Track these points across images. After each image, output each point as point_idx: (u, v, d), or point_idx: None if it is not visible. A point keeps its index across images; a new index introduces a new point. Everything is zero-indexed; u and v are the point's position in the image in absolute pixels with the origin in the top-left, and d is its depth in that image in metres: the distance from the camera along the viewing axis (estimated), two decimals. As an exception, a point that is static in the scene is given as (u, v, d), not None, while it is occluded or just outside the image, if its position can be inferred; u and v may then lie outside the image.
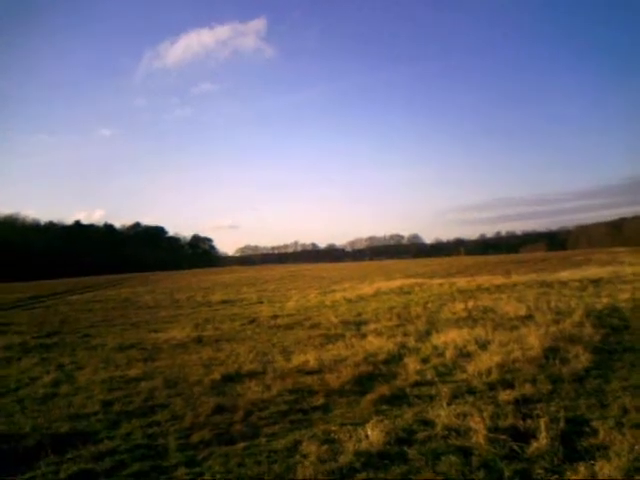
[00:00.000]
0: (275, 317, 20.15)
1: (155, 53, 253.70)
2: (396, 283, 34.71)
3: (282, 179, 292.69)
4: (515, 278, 32.44)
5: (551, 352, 10.50)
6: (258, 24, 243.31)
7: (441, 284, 31.82)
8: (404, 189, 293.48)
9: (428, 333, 13.66)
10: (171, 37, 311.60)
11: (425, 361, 10.64)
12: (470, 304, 19.39)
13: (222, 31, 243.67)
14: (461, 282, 31.99)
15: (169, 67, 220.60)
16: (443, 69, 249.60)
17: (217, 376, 10.32)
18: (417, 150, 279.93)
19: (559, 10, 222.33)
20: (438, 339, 12.51)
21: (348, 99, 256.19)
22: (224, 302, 29.21)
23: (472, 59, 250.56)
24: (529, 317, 15.42)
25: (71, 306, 31.48)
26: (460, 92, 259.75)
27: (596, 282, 27.08)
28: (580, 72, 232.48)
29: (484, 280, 32.21)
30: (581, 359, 9.85)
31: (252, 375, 10.38)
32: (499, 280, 31.44)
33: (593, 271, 35.63)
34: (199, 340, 15.32)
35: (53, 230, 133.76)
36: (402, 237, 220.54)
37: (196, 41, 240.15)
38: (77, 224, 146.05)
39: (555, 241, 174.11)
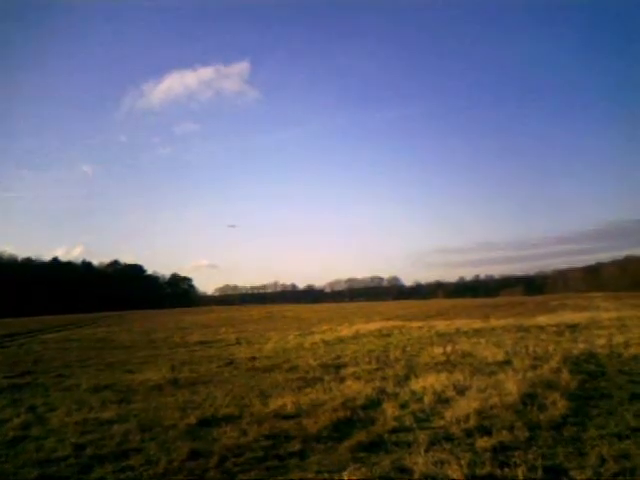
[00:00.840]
0: (253, 359, 19.95)
1: (139, 92, 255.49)
2: (375, 325, 34.70)
3: (263, 219, 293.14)
4: (493, 322, 32.60)
5: (529, 398, 10.49)
6: (241, 67, 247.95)
7: (420, 327, 31.85)
8: (384, 231, 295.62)
9: (407, 377, 13.61)
10: (155, 77, 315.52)
11: (403, 406, 10.58)
12: (449, 348, 19.39)
13: (205, 73, 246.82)
14: (440, 325, 32.08)
15: (152, 106, 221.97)
16: (427, 112, 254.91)
17: (193, 420, 10.15)
18: (399, 192, 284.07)
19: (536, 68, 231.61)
20: (417, 384, 12.47)
21: (332, 139, 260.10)
22: (202, 343, 28.88)
23: (456, 102, 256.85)
24: (507, 362, 15.45)
25: (46, 345, 30.92)
26: (443, 137, 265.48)
27: (573, 327, 27.31)
28: (558, 122, 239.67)
29: (463, 324, 32.34)
30: (558, 406, 9.85)
31: (228, 419, 10.23)
32: (478, 324, 31.59)
33: (570, 316, 35.93)
34: (175, 382, 15.08)
35: (30, 267, 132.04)
36: (382, 279, 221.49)
37: (179, 82, 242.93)
38: (55, 261, 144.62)
39: (533, 285, 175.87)
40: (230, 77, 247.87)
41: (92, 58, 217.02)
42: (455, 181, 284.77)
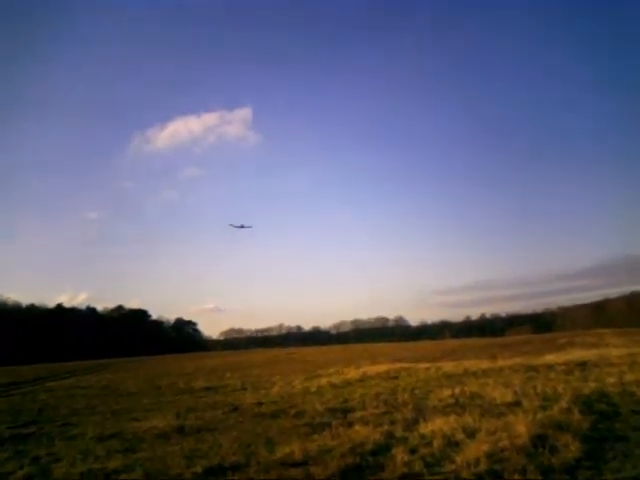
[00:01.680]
0: (259, 404, 19.74)
1: (144, 138, 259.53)
2: (382, 367, 34.34)
3: (267, 261, 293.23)
4: (501, 362, 32.22)
5: (539, 440, 10.31)
6: (244, 112, 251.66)
7: (427, 368, 31.51)
8: (389, 271, 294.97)
9: (415, 421, 13.40)
10: (160, 123, 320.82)
11: (413, 451, 10.40)
12: (457, 390, 19.16)
13: (209, 118, 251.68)
14: (448, 366, 31.74)
15: (157, 151, 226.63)
16: (428, 153, 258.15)
17: (199, 469, 10.01)
18: (404, 232, 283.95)
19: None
20: (426, 427, 12.28)
21: (334, 179, 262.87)
22: (207, 389, 28.62)
23: (454, 147, 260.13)
24: (516, 403, 15.24)
25: (51, 393, 30.71)
26: (444, 177, 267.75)
27: (582, 365, 26.99)
28: (554, 161, 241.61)
29: (470, 364, 31.99)
30: (571, 448, 9.68)
31: (235, 468, 10.07)
32: (485, 364, 31.24)
33: (578, 354, 35.55)
34: (181, 429, 14.90)
35: (34, 313, 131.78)
36: (387, 319, 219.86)
37: (184, 127, 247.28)
38: (59, 307, 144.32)
39: (540, 323, 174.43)
40: (233, 122, 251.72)
41: (98, 105, 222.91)
42: (459, 219, 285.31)
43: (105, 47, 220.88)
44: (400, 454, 10.08)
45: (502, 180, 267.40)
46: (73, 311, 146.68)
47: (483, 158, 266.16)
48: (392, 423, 13.48)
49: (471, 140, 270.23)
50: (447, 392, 18.79)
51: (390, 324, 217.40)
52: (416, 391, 20.69)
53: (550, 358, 32.91)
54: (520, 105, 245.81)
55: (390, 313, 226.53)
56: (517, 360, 33.14)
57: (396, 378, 27.60)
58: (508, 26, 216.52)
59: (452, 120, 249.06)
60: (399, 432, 12.23)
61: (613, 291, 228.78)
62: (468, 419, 12.72)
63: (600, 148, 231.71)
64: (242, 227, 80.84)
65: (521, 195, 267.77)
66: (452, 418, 12.99)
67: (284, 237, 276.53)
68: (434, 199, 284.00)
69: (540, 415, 12.67)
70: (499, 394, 17.05)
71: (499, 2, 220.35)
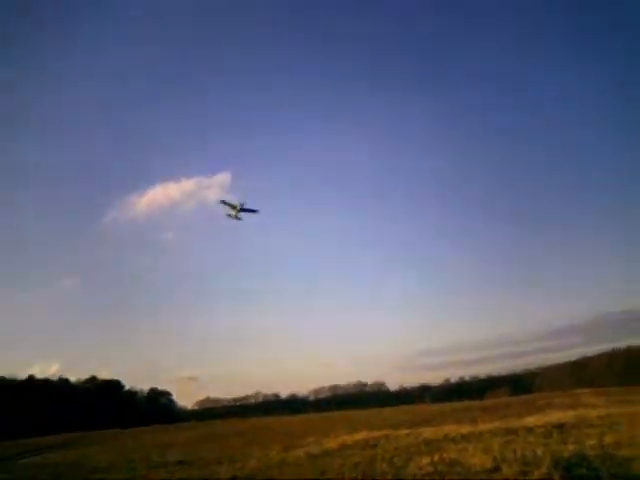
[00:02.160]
0: (235, 479, 19.16)
1: (123, 204, 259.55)
2: (361, 435, 33.69)
3: (244, 328, 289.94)
4: (481, 426, 31.87)
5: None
6: (223, 178, 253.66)
7: (407, 435, 31.06)
8: (367, 336, 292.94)
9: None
10: (139, 190, 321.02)
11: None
12: (436, 457, 18.81)
13: (188, 185, 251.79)
14: (427, 432, 31.29)
15: (135, 217, 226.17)
16: (397, 213, 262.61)
17: None
18: (381, 297, 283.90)
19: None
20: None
21: (312, 243, 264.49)
22: (181, 462, 27.73)
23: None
24: (496, 469, 15.00)
25: (13, 474, 29.44)
26: (420, 241, 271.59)
27: (561, 427, 26.79)
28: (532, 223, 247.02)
29: (450, 429, 31.55)
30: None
31: None
32: (465, 429, 30.85)
33: (558, 415, 35.38)
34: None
35: (4, 385, 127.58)
36: (365, 385, 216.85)
37: (163, 194, 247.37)
38: (31, 379, 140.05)
39: (519, 384, 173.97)
40: (212, 188, 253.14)
41: (75, 171, 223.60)
42: (436, 282, 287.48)
43: (86, 114, 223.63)
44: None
45: (482, 243, 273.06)
46: (46, 382, 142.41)
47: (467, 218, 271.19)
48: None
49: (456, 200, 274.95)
50: (426, 460, 18.42)
51: (368, 389, 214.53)
52: (395, 459, 20.26)
53: (529, 420, 32.67)
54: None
55: (369, 378, 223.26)
56: (497, 424, 32.84)
57: (375, 446, 27.09)
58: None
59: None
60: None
61: (592, 349, 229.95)
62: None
63: (575, 208, 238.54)
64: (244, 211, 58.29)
65: (499, 257, 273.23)
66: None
67: (262, 304, 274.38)
68: (410, 257, 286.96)
69: (521, 481, 12.48)
70: (478, 460, 16.78)
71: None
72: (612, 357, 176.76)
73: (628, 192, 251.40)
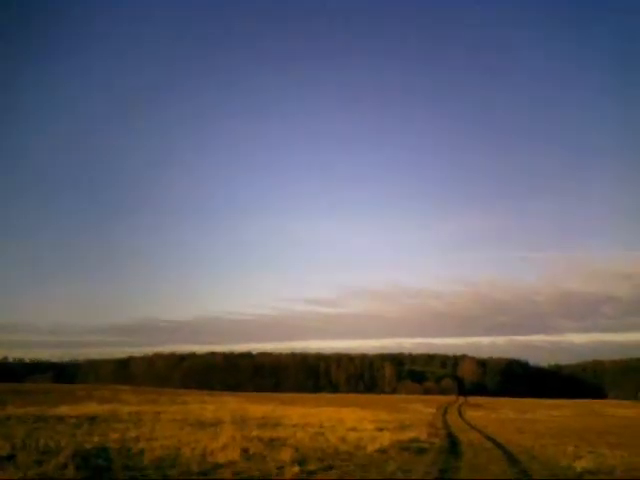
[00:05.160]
0: None
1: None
2: None
3: None
4: (10, 410, 30.41)
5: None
6: None
7: None
8: None
9: None
10: None
11: None
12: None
13: None
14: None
15: None
16: None
17: None
18: None
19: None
20: None
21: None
22: None
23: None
24: (11, 457, 14.51)
25: None
26: None
27: (93, 420, 27.38)
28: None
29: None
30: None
31: None
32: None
33: (93, 408, 35.97)
34: None
35: None
36: None
37: None
38: None
39: (64, 373, 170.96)
40: None
41: None
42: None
43: None
44: None
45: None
46: None
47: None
48: None
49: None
50: None
51: None
52: None
53: (64, 410, 32.47)
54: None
55: None
56: (29, 409, 31.75)
57: None
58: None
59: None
60: None
61: (138, 350, 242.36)
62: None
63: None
64: None
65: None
66: None
67: None
68: None
69: (32, 471, 12.36)
70: (-3, 446, 16.02)
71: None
72: (153, 360, 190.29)
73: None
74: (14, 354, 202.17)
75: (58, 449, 16.06)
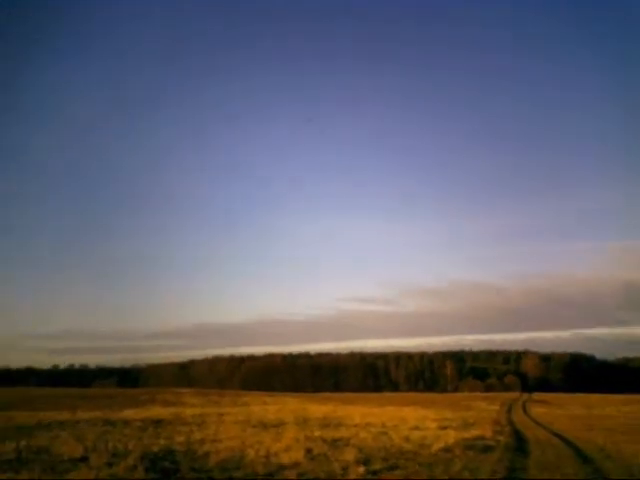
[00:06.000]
0: None
1: None
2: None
3: None
4: (80, 414, 31.37)
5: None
6: None
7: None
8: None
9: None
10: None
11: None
12: (23, 443, 17.92)
13: None
14: (20, 417, 29.57)
15: None
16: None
17: None
18: None
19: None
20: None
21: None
22: None
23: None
24: (84, 459, 14.96)
25: None
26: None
27: (158, 423, 27.92)
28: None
29: (47, 415, 30.43)
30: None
31: None
32: (63, 416, 30.12)
33: (157, 411, 36.73)
34: None
35: None
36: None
37: None
38: None
39: (127, 378, 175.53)
40: None
41: None
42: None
43: None
44: None
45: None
46: None
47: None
48: None
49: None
50: (11, 445, 17.39)
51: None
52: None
53: (129, 413, 33.26)
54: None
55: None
56: (96, 413, 32.66)
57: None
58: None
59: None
60: None
61: (198, 353, 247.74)
62: (25, 477, 12.00)
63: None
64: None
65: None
66: (6, 476, 12.08)
67: None
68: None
69: (104, 472, 12.68)
70: (69, 449, 16.49)
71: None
72: (213, 363, 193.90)
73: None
74: (79, 360, 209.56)
75: (127, 452, 16.44)
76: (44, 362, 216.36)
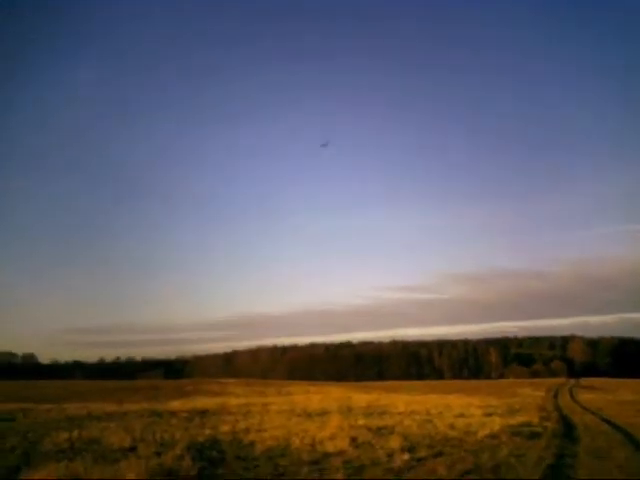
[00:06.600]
0: None
1: None
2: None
3: None
4: (127, 406, 32.01)
5: (146, 487, 10.51)
6: None
7: (49, 410, 29.72)
8: (18, 307, 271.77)
9: (18, 469, 12.41)
10: None
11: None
12: (75, 434, 18.38)
13: None
14: (71, 408, 30.40)
15: None
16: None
17: None
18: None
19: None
20: (29, 476, 11.44)
21: None
22: None
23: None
24: (133, 449, 15.27)
25: None
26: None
27: (203, 413, 28.32)
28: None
29: (96, 407, 31.13)
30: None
31: None
32: (111, 407, 30.76)
33: (202, 402, 37.26)
34: None
35: None
36: (16, 355, 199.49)
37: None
38: None
39: (172, 369, 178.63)
40: None
41: None
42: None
43: None
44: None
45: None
46: None
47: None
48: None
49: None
50: (64, 436, 17.88)
51: (19, 361, 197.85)
52: (30, 434, 19.28)
53: (175, 404, 33.82)
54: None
55: (19, 349, 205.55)
56: (143, 405, 33.31)
57: (11, 420, 25.42)
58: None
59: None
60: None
61: (241, 344, 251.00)
62: (79, 466, 12.29)
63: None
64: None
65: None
66: (63, 465, 12.39)
67: None
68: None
69: (153, 462, 12.89)
70: (118, 439, 16.85)
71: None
72: (257, 353, 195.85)
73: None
74: (126, 353, 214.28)
75: (174, 442, 16.70)
76: (90, 356, 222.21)
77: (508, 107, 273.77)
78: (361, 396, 48.95)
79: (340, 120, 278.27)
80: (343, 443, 15.86)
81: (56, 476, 11.30)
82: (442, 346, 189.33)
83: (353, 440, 16.67)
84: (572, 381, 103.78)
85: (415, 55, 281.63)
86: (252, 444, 16.47)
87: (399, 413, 28.27)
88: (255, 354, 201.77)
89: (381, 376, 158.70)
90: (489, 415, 26.47)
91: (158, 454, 14.18)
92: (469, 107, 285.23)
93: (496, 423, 21.45)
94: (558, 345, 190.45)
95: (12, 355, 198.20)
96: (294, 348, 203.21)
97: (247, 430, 20.09)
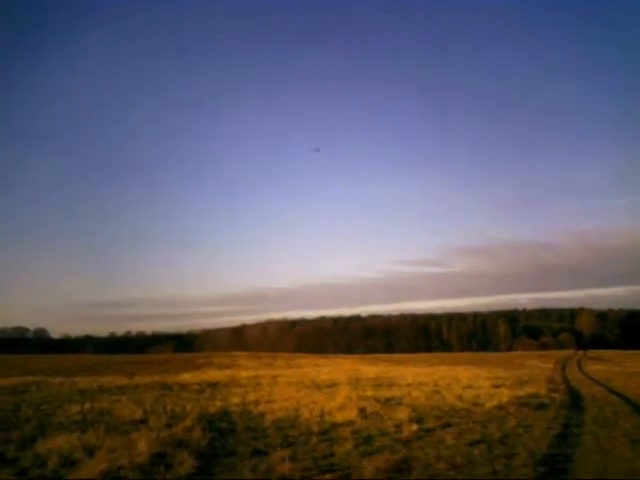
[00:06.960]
0: None
1: None
2: (13, 381, 31.69)
3: None
4: (138, 379, 32.37)
5: (158, 458, 10.65)
6: None
7: (62, 383, 30.07)
8: (29, 281, 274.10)
9: (33, 439, 12.61)
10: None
11: (22, 474, 9.77)
12: (87, 406, 18.65)
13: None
14: (83, 382, 30.67)
15: None
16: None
17: None
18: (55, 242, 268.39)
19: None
20: (43, 446, 11.60)
21: None
22: None
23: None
24: (144, 421, 15.46)
25: None
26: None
27: (214, 385, 28.64)
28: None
29: (107, 380, 31.46)
30: (185, 465, 10.16)
31: None
32: (122, 381, 31.06)
33: (213, 374, 37.65)
34: None
35: None
36: (27, 330, 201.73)
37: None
38: None
39: (183, 343, 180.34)
40: None
41: None
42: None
43: None
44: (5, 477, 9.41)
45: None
46: None
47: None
48: (6, 442, 12.46)
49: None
50: (76, 408, 18.13)
51: (30, 335, 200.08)
52: (43, 406, 19.55)
53: (186, 377, 34.18)
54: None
55: (31, 323, 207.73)
56: (154, 378, 33.68)
57: (24, 392, 25.69)
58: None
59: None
60: (11, 453, 11.35)
61: (250, 318, 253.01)
62: (91, 437, 12.46)
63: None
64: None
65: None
66: (75, 436, 12.55)
67: None
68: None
69: (164, 433, 13.05)
70: (129, 411, 17.06)
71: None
72: (266, 326, 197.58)
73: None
74: (136, 327, 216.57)
75: (184, 414, 16.91)
76: (102, 330, 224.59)
77: (512, 73, 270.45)
78: (370, 368, 49.35)
79: (356, 86, 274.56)
80: (352, 414, 16.00)
81: (69, 445, 11.46)
82: (451, 319, 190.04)
83: (362, 411, 16.82)
84: (580, 353, 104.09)
85: (410, 54, 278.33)
86: (262, 415, 16.63)
87: (407, 385, 28.44)
88: (264, 328, 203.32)
89: (390, 349, 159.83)
90: (497, 387, 26.57)
91: (169, 425, 14.36)
92: (476, 76, 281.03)
93: (504, 394, 21.54)
94: (567, 317, 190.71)
95: (24, 330, 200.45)
96: (303, 321, 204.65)
97: (257, 402, 20.28)
